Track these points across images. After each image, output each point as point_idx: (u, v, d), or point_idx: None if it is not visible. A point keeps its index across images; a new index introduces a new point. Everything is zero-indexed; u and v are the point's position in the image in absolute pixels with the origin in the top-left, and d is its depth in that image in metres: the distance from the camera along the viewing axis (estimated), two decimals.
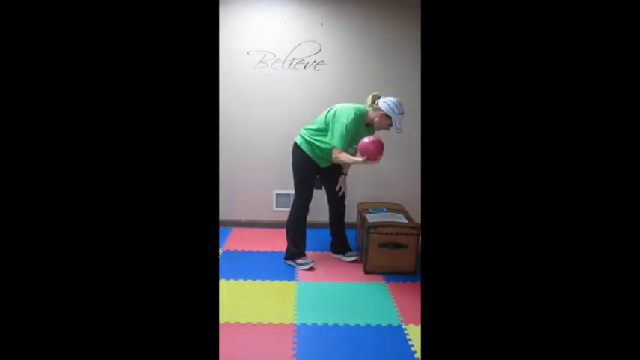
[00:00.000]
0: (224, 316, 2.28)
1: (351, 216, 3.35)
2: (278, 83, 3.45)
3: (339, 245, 3.11)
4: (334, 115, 2.64)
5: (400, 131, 2.62)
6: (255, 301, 2.49)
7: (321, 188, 3.06)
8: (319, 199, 3.12)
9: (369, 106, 2.67)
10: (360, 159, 2.58)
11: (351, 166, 2.95)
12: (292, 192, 2.96)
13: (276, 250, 3.20)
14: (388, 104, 2.56)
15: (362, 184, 3.46)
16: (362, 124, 2.69)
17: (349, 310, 2.41)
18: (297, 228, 2.93)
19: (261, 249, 3.25)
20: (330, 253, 3.17)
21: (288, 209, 2.99)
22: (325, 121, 2.69)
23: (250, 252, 3.20)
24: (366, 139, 2.55)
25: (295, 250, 2.94)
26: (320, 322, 2.28)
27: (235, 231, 3.59)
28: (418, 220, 3.36)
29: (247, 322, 2.25)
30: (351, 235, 3.25)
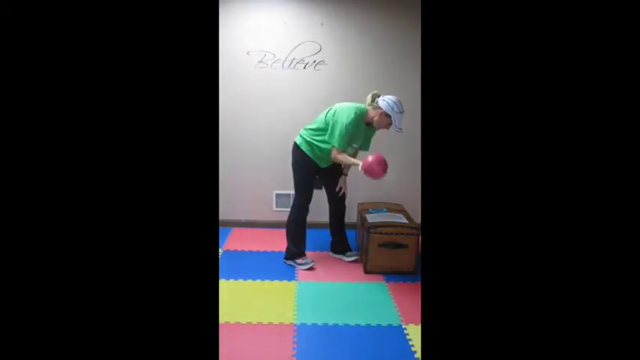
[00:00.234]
0: (224, 316, 2.28)
1: (351, 216, 3.35)
2: (278, 83, 3.45)
3: (339, 245, 3.11)
4: (334, 115, 2.65)
5: (400, 130, 2.62)
6: (255, 301, 2.49)
7: (321, 188, 3.06)
8: (319, 199, 3.12)
9: (369, 105, 2.68)
10: (359, 162, 2.59)
11: (352, 166, 2.95)
12: (292, 192, 2.97)
13: (276, 250, 3.20)
14: (388, 103, 2.57)
15: (362, 184, 3.45)
16: (362, 123, 2.69)
17: (349, 310, 2.41)
18: (297, 228, 2.93)
19: (261, 249, 3.25)
20: (330, 253, 3.17)
21: (288, 209, 2.99)
22: (325, 120, 2.69)
23: (250, 252, 3.20)
24: (370, 158, 2.55)
25: (295, 250, 2.94)
26: (320, 322, 2.28)
27: (235, 231, 3.59)
28: (418, 220, 3.35)
29: (247, 322, 2.25)
30: (351, 235, 3.25)
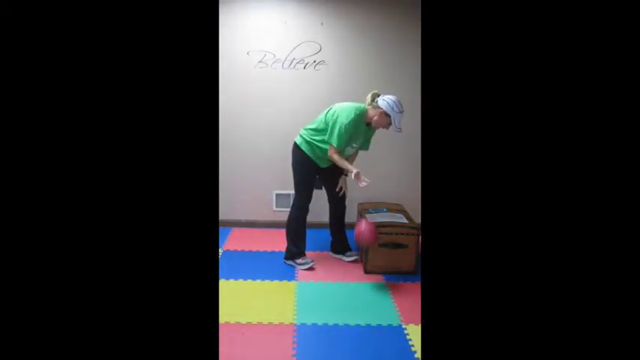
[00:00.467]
0: (224, 316, 2.28)
1: (351, 216, 3.35)
2: (278, 83, 3.45)
3: (339, 245, 3.11)
4: (334, 115, 2.65)
5: (399, 130, 2.62)
6: (255, 301, 2.49)
7: (321, 188, 3.06)
8: (319, 199, 3.12)
9: (369, 105, 2.68)
10: (353, 169, 2.61)
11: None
12: (292, 192, 2.97)
13: (276, 250, 3.20)
14: (387, 102, 2.57)
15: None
16: (362, 123, 2.69)
17: (349, 310, 2.41)
18: (297, 228, 2.93)
19: (261, 249, 3.25)
20: (330, 253, 3.17)
21: (288, 209, 2.99)
22: (325, 120, 2.69)
23: (250, 252, 3.20)
24: (362, 225, 2.69)
25: (295, 250, 2.94)
26: (320, 322, 2.28)
27: (235, 231, 3.59)
28: (418, 220, 3.35)
29: (247, 322, 2.25)
30: (351, 235, 3.25)
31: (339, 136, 2.60)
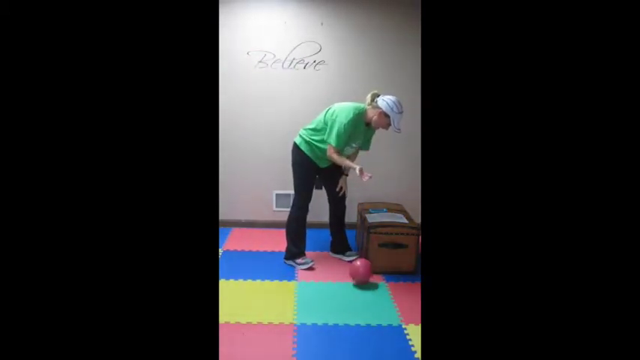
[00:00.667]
0: (224, 316, 2.28)
1: (351, 216, 3.35)
2: (278, 83, 3.45)
3: (339, 245, 3.11)
4: (333, 114, 2.65)
5: (399, 130, 2.62)
6: (255, 301, 2.49)
7: (321, 188, 3.06)
8: (319, 199, 3.12)
9: (368, 105, 2.68)
10: (356, 166, 2.60)
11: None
12: (292, 192, 2.97)
13: (276, 250, 3.19)
14: (387, 103, 2.57)
15: (362, 184, 3.45)
16: (361, 123, 2.70)
17: (349, 310, 2.41)
18: (297, 228, 2.93)
19: (261, 249, 3.25)
20: (330, 253, 3.17)
21: (288, 209, 2.99)
22: (324, 120, 2.69)
23: (250, 252, 3.20)
24: (358, 263, 2.68)
25: (295, 249, 2.94)
26: (320, 322, 2.28)
27: (235, 231, 3.59)
28: (418, 220, 3.35)
29: (247, 322, 2.25)
30: (351, 235, 3.25)
31: (338, 135, 2.60)
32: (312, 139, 2.75)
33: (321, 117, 2.73)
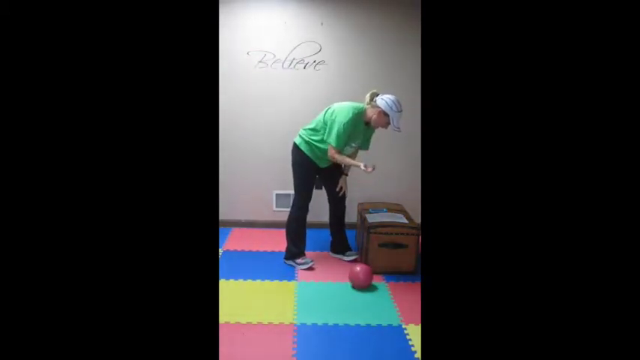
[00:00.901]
0: (224, 316, 2.28)
1: (351, 216, 3.35)
2: (278, 83, 3.45)
3: (339, 245, 3.11)
4: (332, 114, 2.65)
5: (398, 129, 2.62)
6: (255, 301, 2.49)
7: (321, 188, 3.06)
8: (319, 199, 3.12)
9: (368, 104, 2.68)
10: (359, 163, 2.61)
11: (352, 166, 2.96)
12: (292, 192, 2.97)
13: (276, 250, 3.19)
14: (386, 102, 2.57)
15: (362, 184, 3.45)
16: (360, 122, 2.70)
17: (349, 310, 2.41)
18: (297, 228, 2.93)
19: (261, 249, 3.25)
20: (330, 253, 3.17)
21: (288, 209, 2.99)
22: (324, 120, 2.69)
23: (250, 252, 3.20)
24: (357, 268, 2.65)
25: (295, 249, 2.94)
26: (320, 322, 2.28)
27: (235, 231, 3.59)
28: (418, 220, 3.35)
29: (247, 322, 2.25)
30: (351, 235, 3.25)
31: (338, 135, 2.60)
32: (312, 139, 2.75)
33: (320, 117, 2.73)
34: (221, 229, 3.58)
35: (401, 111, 2.59)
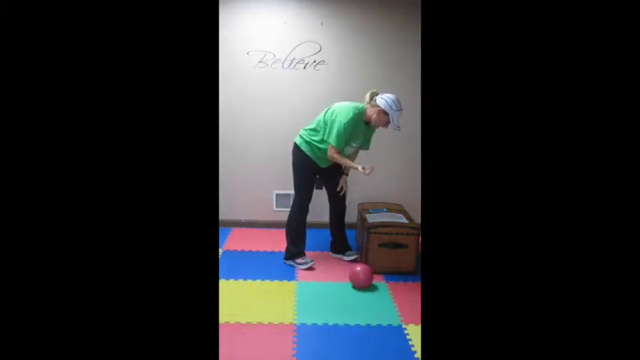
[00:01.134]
0: (224, 316, 2.28)
1: (351, 216, 3.35)
2: (278, 83, 3.45)
3: (339, 245, 3.11)
4: (332, 114, 2.65)
5: (398, 128, 2.62)
6: (255, 301, 2.49)
7: (321, 188, 3.06)
8: (319, 199, 3.12)
9: (367, 103, 2.68)
10: (357, 166, 2.62)
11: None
12: (292, 192, 2.97)
13: (276, 250, 3.20)
14: (386, 101, 2.57)
15: (362, 184, 3.45)
16: (361, 122, 2.70)
17: (349, 310, 2.41)
18: (297, 228, 2.93)
19: (261, 249, 3.25)
20: (330, 253, 3.17)
21: (288, 209, 2.99)
22: (324, 120, 2.70)
23: (250, 252, 3.20)
24: (358, 268, 2.66)
25: (295, 250, 2.94)
26: (320, 322, 2.28)
27: (235, 231, 3.59)
28: (418, 220, 3.35)
29: (247, 322, 2.25)
30: (351, 235, 3.25)
31: (338, 135, 2.61)
32: (312, 140, 2.75)
33: (320, 117, 2.74)
34: (221, 229, 3.58)
35: (401, 109, 2.59)
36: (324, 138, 2.69)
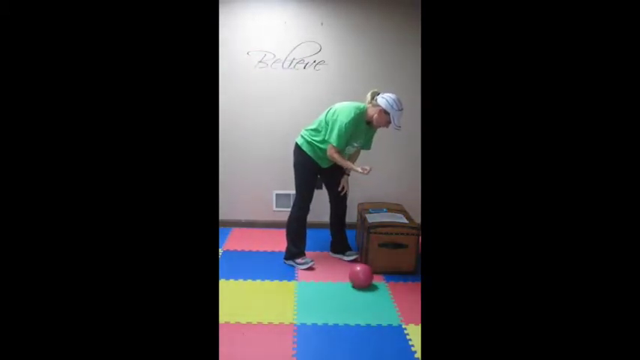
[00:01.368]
0: (224, 316, 2.28)
1: (351, 216, 3.35)
2: (278, 83, 3.45)
3: (339, 245, 3.11)
4: (334, 114, 2.66)
5: (399, 128, 2.62)
6: (255, 301, 2.49)
7: (321, 188, 3.06)
8: (319, 198, 3.12)
9: (368, 103, 2.68)
10: (357, 168, 2.62)
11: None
12: (292, 192, 2.97)
13: (276, 250, 3.20)
14: (387, 100, 2.57)
15: (362, 184, 3.45)
16: (362, 122, 2.70)
17: (349, 310, 2.41)
18: (297, 228, 2.93)
19: (261, 249, 3.25)
20: (330, 253, 3.17)
21: (288, 209, 2.99)
22: (325, 120, 2.70)
23: (250, 252, 3.20)
24: (358, 268, 2.66)
25: (295, 249, 2.94)
26: (320, 322, 2.28)
27: (235, 231, 3.59)
28: (418, 220, 3.36)
29: (247, 322, 2.25)
30: (351, 235, 3.25)
31: (339, 135, 2.61)
32: (314, 140, 2.75)
33: (322, 117, 2.74)
34: (221, 229, 3.58)
35: (401, 109, 2.59)
36: (326, 138, 2.69)
